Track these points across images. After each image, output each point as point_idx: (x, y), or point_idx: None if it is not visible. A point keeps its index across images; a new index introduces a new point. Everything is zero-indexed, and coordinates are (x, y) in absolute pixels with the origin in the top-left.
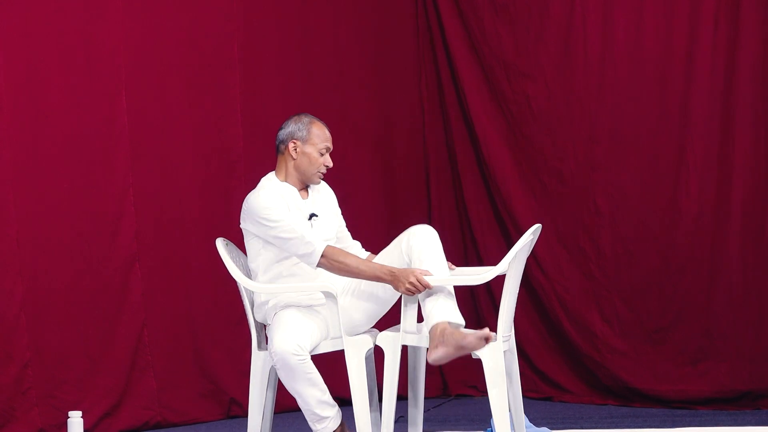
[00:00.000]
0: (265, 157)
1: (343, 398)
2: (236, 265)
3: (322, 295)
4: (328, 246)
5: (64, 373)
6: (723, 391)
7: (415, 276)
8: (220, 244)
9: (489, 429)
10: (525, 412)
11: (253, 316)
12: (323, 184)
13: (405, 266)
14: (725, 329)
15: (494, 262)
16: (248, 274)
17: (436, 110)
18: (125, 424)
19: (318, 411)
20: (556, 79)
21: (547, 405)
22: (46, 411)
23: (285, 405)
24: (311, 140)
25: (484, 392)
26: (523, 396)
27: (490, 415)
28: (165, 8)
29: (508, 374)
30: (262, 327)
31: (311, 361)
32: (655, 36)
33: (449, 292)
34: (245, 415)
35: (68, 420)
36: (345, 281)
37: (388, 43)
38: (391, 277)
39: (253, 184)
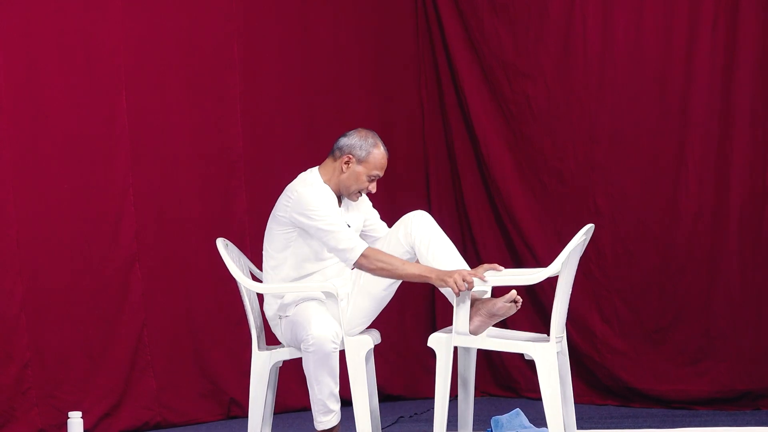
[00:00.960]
0: (265, 157)
1: (342, 398)
2: (236, 265)
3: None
4: (370, 247)
5: (64, 373)
6: (723, 391)
7: (462, 275)
8: (221, 244)
9: (488, 430)
10: (525, 413)
11: (259, 311)
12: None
13: (405, 254)
14: (725, 329)
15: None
16: (248, 273)
17: (436, 110)
18: (125, 424)
19: (328, 403)
20: (555, 79)
21: None
22: (46, 411)
23: (285, 405)
24: (367, 162)
25: (484, 392)
26: (524, 396)
27: (490, 416)
28: (165, 8)
29: (561, 376)
30: (263, 326)
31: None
32: (655, 36)
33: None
34: (245, 415)
35: (68, 420)
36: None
37: (388, 42)
38: (435, 275)
39: (253, 185)
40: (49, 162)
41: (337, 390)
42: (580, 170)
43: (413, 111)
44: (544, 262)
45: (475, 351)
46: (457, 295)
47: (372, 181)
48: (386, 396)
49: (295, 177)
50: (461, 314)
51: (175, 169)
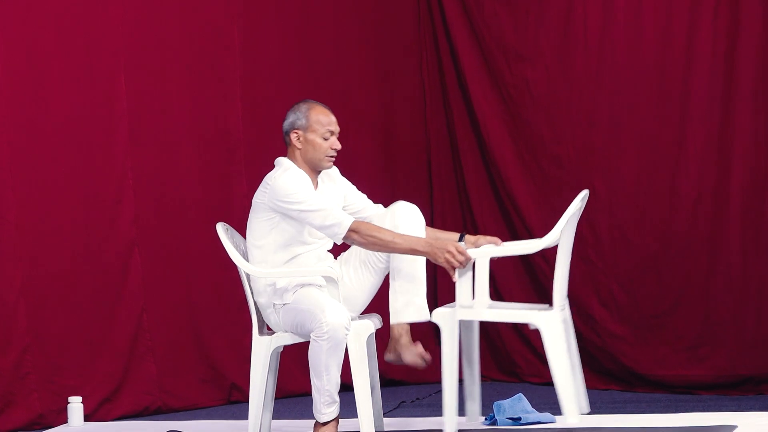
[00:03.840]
0: (266, 141)
1: (343, 383)
2: (237, 250)
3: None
4: (357, 220)
5: (64, 358)
6: (724, 376)
7: (454, 246)
8: (221, 228)
9: (490, 415)
10: (527, 398)
11: (254, 300)
12: (328, 172)
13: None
14: (725, 314)
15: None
16: (246, 256)
17: (437, 95)
18: (125, 409)
19: (334, 394)
20: (555, 63)
21: (550, 390)
22: (45, 396)
23: (286, 390)
24: (312, 127)
25: (486, 377)
26: (526, 381)
27: (492, 401)
28: None
29: (567, 345)
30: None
31: None
32: (655, 19)
33: (421, 281)
34: (246, 400)
35: (68, 405)
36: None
37: (389, 26)
38: (428, 249)
39: (253, 169)
40: (47, 146)
41: (340, 379)
42: (578, 154)
43: (414, 96)
44: (548, 252)
45: (477, 327)
46: (453, 275)
47: (328, 139)
48: (388, 381)
49: None
50: (463, 286)
51: (174, 152)
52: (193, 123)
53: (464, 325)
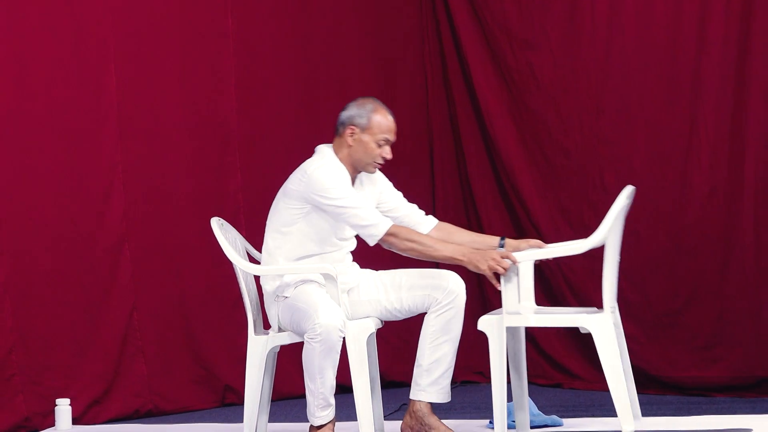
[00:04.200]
0: (261, 132)
1: (342, 385)
2: (232, 246)
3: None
4: (396, 224)
5: (51, 358)
6: (741, 377)
7: (498, 253)
8: (215, 223)
9: (490, 421)
10: (533, 400)
11: (256, 293)
12: (373, 176)
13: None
14: (740, 312)
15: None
16: (244, 254)
17: (439, 83)
18: (115, 412)
19: (329, 397)
20: (561, 47)
21: (556, 392)
22: (31, 398)
23: (283, 392)
24: (370, 129)
25: (487, 378)
26: (530, 382)
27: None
28: None
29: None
30: (260, 309)
31: None
32: (665, 2)
33: (450, 361)
34: (241, 402)
35: (55, 408)
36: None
37: (390, 11)
38: (469, 257)
39: (248, 161)
40: (32, 138)
41: (335, 382)
42: (586, 144)
43: (416, 82)
44: (549, 240)
45: (523, 332)
46: (498, 282)
47: (382, 146)
48: (388, 383)
49: (291, 153)
50: (510, 292)
51: (166, 144)
52: (185, 114)
53: (510, 333)
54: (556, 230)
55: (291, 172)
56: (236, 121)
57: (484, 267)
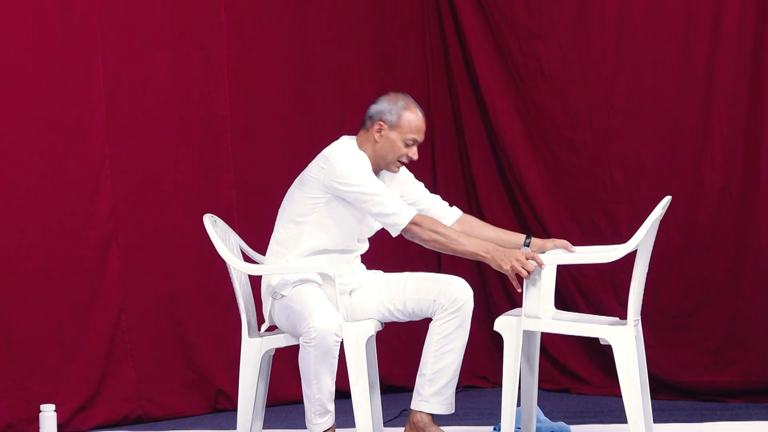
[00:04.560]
0: (255, 126)
1: (340, 390)
2: (225, 244)
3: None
4: (420, 214)
5: (35, 362)
6: (755, 381)
7: (523, 254)
8: (207, 221)
9: (498, 425)
10: (540, 406)
11: (250, 294)
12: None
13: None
14: (754, 314)
15: None
16: (238, 253)
17: (441, 76)
18: (102, 418)
19: (326, 403)
20: (569, 40)
21: (564, 397)
22: (15, 404)
23: (278, 397)
24: (400, 127)
25: (495, 383)
26: (538, 388)
27: (499, 408)
28: None
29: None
30: (254, 310)
31: None
32: None
33: (454, 371)
34: (234, 408)
35: (40, 414)
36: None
37: (389, 2)
38: (493, 255)
39: (241, 156)
40: (16, 132)
41: (333, 389)
42: (595, 141)
43: (417, 75)
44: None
45: (539, 336)
46: (519, 283)
47: (409, 146)
48: (388, 387)
49: (286, 148)
50: (531, 296)
51: (156, 138)
52: (176, 107)
53: (526, 336)
54: (563, 230)
55: (286, 168)
56: (229, 115)
57: (507, 267)
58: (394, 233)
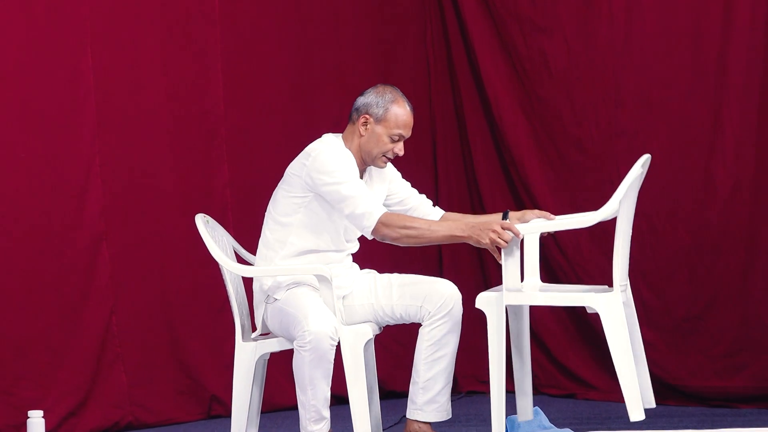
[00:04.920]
0: (250, 122)
1: (338, 396)
2: (218, 245)
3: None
4: (387, 212)
5: (23, 367)
6: (766, 387)
7: (499, 224)
8: (200, 221)
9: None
10: (545, 412)
11: (244, 296)
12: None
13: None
14: (766, 317)
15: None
16: (231, 254)
17: (443, 70)
18: (92, 424)
19: (322, 409)
20: (575, 33)
21: (570, 403)
22: (2, 410)
23: (273, 403)
24: (386, 121)
25: None
26: (543, 393)
27: (505, 415)
28: None
29: (629, 330)
30: (248, 312)
31: None
32: None
33: (447, 376)
34: (228, 414)
35: (28, 420)
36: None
37: None
38: (469, 232)
39: (235, 153)
40: (3, 128)
41: (328, 395)
42: (602, 137)
43: (418, 70)
44: (562, 239)
45: (528, 312)
46: (499, 252)
47: (396, 142)
48: (388, 393)
49: (282, 145)
50: (510, 267)
51: (147, 135)
52: (168, 102)
53: (513, 312)
54: (570, 232)
55: (283, 166)
56: (223, 111)
57: (486, 240)
58: (367, 235)
